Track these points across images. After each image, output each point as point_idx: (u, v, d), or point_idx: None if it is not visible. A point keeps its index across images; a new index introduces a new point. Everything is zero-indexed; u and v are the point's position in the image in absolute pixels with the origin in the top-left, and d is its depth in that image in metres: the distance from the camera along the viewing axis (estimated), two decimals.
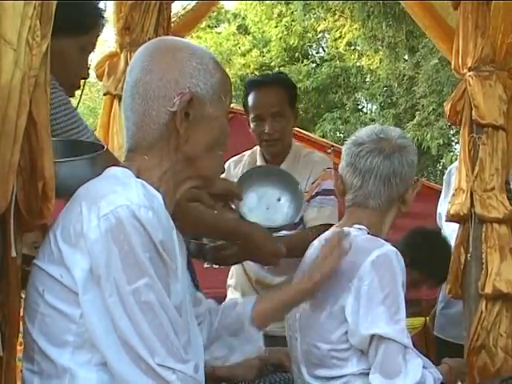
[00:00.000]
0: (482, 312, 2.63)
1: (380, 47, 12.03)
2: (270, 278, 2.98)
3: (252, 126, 3.00)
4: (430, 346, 4.05)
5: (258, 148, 3.08)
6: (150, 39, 2.87)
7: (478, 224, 2.69)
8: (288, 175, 2.79)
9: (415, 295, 5.06)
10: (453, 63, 2.89)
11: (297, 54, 14.80)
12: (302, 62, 14.32)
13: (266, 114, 2.94)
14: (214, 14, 17.32)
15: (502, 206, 2.66)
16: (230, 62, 15.24)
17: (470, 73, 2.79)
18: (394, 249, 1.99)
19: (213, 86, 1.51)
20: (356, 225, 2.08)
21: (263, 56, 15.27)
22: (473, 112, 2.75)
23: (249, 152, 3.14)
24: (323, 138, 10.13)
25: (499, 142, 2.72)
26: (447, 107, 2.88)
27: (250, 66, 15.11)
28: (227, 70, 14.32)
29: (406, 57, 11.02)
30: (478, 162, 2.71)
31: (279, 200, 2.71)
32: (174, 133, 1.48)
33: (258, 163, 3.06)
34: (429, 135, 10.41)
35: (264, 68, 14.87)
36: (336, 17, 13.16)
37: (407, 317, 5.51)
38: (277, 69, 14.06)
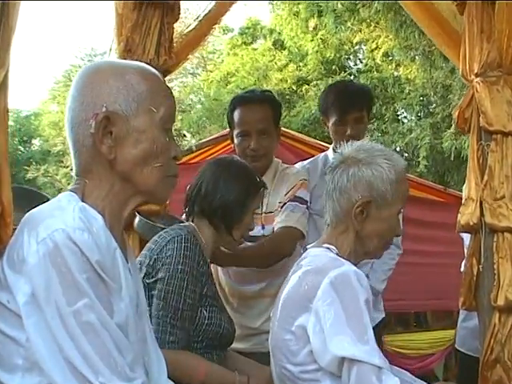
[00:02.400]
0: (495, 325, 2.54)
1: (416, 56, 11.91)
2: (241, 289, 3.00)
3: (236, 141, 3.09)
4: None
5: None
6: (151, 61, 2.92)
7: (488, 234, 2.61)
8: None
9: (447, 307, 4.99)
10: (460, 69, 2.83)
11: (334, 67, 14.72)
12: (339, 75, 14.23)
13: (253, 130, 3.03)
14: (250, 30, 17.49)
15: None
16: (267, 77, 15.27)
17: (477, 79, 2.72)
18: (354, 268, 1.94)
19: (136, 99, 1.51)
20: (326, 244, 2.05)
21: (300, 70, 15.24)
22: (480, 119, 2.68)
23: None
24: None
25: (509, 149, 2.64)
26: (455, 114, 2.81)
27: (287, 80, 15.11)
28: (264, 85, 14.43)
29: (442, 65, 10.86)
30: (487, 170, 2.64)
31: None
32: (102, 154, 1.49)
33: None
34: (466, 144, 10.22)
35: (301, 82, 14.87)
36: (371, 28, 13.10)
37: (440, 329, 5.46)
38: (314, 82, 14.07)
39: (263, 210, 3.03)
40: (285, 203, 3.01)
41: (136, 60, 2.89)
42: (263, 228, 3.02)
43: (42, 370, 1.35)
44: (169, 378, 2.21)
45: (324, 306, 1.85)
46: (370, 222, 2.05)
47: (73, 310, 1.33)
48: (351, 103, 3.38)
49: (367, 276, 3.45)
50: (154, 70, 1.62)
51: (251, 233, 2.70)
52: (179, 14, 3.10)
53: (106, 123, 1.48)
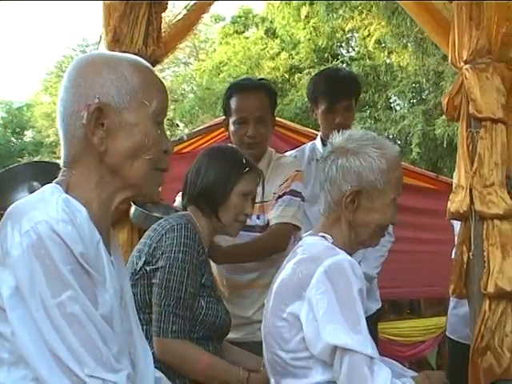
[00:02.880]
0: (485, 312, 2.55)
1: (408, 43, 11.90)
2: (233, 278, 3.00)
3: (233, 128, 3.07)
4: None
5: None
6: (139, 50, 2.90)
7: (478, 221, 2.62)
8: None
9: (439, 294, 5.00)
10: (449, 57, 2.82)
11: (326, 55, 14.70)
12: (332, 63, 14.20)
13: (250, 117, 3.02)
14: (242, 18, 17.44)
15: (502, 202, 2.57)
16: (259, 66, 15.25)
17: (467, 66, 2.72)
18: (349, 257, 1.94)
19: (129, 92, 1.50)
20: (321, 233, 2.05)
21: (292, 58, 15.22)
22: (470, 106, 2.68)
23: None
24: None
25: (498, 136, 2.64)
26: (444, 102, 2.81)
27: (279, 69, 15.09)
28: (256, 74, 14.40)
29: (434, 52, 10.85)
30: (476, 157, 2.64)
31: None
32: (93, 145, 1.49)
33: None
34: (459, 130, 10.20)
35: (293, 70, 14.85)
36: (363, 15, 13.08)
37: (432, 316, 5.48)
38: (307, 70, 14.04)
39: (259, 200, 2.97)
40: (280, 196, 3.00)
41: (124, 50, 2.89)
42: (258, 218, 3.02)
43: (28, 364, 1.35)
44: (169, 366, 2.23)
45: (317, 295, 1.85)
46: (362, 211, 2.04)
47: (57, 301, 1.32)
48: (341, 92, 3.38)
49: (359, 263, 3.45)
50: (146, 62, 1.61)
51: (249, 222, 2.71)
52: (167, 3, 3.08)
53: (98, 114, 1.47)
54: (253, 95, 3.07)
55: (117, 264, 1.58)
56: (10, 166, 2.41)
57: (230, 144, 2.88)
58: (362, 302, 1.86)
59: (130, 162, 1.50)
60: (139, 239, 2.59)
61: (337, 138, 2.10)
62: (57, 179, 1.53)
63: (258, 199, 2.96)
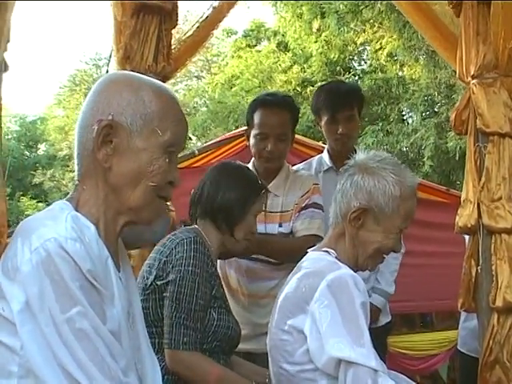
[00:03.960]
0: (494, 326, 2.56)
1: (420, 56, 11.90)
2: (252, 287, 3.05)
3: (253, 141, 3.15)
4: None
5: (251, 162, 3.23)
6: (149, 67, 2.95)
7: (486, 235, 2.63)
8: None
9: (450, 308, 4.98)
10: (457, 71, 2.84)
11: (338, 68, 14.70)
12: (344, 76, 14.21)
13: (272, 133, 3.10)
14: (254, 32, 17.50)
15: (510, 216, 2.58)
16: (272, 79, 15.29)
17: (474, 81, 2.74)
18: (351, 272, 1.96)
19: (144, 117, 1.51)
20: (325, 247, 2.08)
21: (304, 72, 15.24)
22: (477, 120, 2.69)
23: None
24: None
25: (505, 150, 2.66)
26: (452, 117, 2.83)
27: (291, 82, 15.11)
28: (268, 87, 14.43)
29: (446, 65, 10.85)
30: (484, 171, 2.65)
31: None
32: (99, 160, 1.51)
33: None
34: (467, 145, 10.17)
35: (305, 83, 14.87)
36: (375, 28, 13.09)
37: (444, 329, 5.43)
38: (319, 84, 14.07)
39: (279, 210, 3.13)
40: (303, 207, 3.08)
41: (134, 67, 2.95)
42: (280, 226, 3.10)
43: (37, 377, 1.37)
44: (180, 378, 2.26)
45: (321, 309, 1.87)
46: (366, 231, 2.07)
47: (66, 317, 1.35)
48: (342, 102, 3.45)
49: (376, 279, 3.47)
50: (172, 92, 1.62)
51: (269, 230, 2.85)
52: (177, 20, 3.12)
53: (108, 131, 1.49)
54: (276, 112, 3.14)
55: (126, 280, 1.60)
56: None
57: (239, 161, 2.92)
58: (365, 316, 1.88)
59: (132, 185, 1.52)
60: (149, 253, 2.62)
61: (361, 155, 2.14)
62: (69, 195, 1.56)
63: (278, 209, 3.09)
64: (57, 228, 1.40)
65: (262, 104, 3.21)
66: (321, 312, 1.87)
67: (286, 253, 2.96)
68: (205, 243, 2.45)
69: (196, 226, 2.56)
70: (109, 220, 1.53)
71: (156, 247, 2.51)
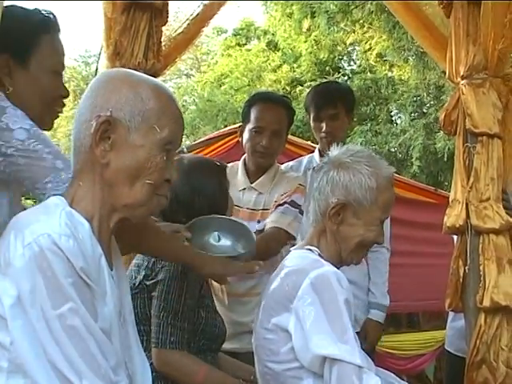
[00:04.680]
0: (481, 326, 2.57)
1: (409, 57, 11.92)
2: (234, 286, 3.01)
3: (248, 135, 3.17)
4: None
5: (241, 160, 3.27)
6: (139, 64, 2.94)
7: (474, 235, 2.64)
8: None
9: (438, 308, 5.00)
10: (447, 72, 2.85)
11: (327, 68, 14.71)
12: (333, 76, 14.22)
13: (267, 128, 3.13)
14: (244, 31, 17.49)
15: (498, 216, 2.60)
16: (261, 78, 15.28)
17: (463, 81, 2.75)
18: (334, 269, 1.96)
19: (142, 113, 1.51)
20: (308, 246, 2.09)
21: (294, 71, 15.24)
22: (466, 121, 2.70)
23: (231, 164, 3.25)
24: None
25: (494, 151, 2.67)
26: (442, 117, 2.84)
27: (280, 81, 15.10)
28: (257, 86, 14.43)
29: (435, 66, 10.87)
30: (472, 172, 2.66)
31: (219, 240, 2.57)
32: (96, 156, 1.51)
33: (239, 173, 3.25)
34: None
35: (295, 83, 14.86)
36: (364, 29, 13.10)
37: (431, 329, 5.45)
38: (308, 83, 14.06)
39: (261, 207, 3.15)
40: (279, 204, 3.08)
41: (124, 64, 2.94)
42: (258, 222, 3.12)
43: (27, 373, 1.37)
44: (166, 377, 2.25)
45: (304, 306, 1.88)
46: (346, 226, 2.07)
47: (57, 313, 1.34)
48: (325, 100, 3.51)
49: (369, 289, 3.49)
50: (170, 91, 1.63)
51: (251, 228, 2.72)
52: (167, 17, 3.12)
53: (106, 127, 1.49)
54: (274, 108, 3.19)
55: (118, 277, 1.60)
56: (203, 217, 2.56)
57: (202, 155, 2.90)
58: (348, 312, 1.87)
59: (129, 182, 1.51)
60: None
61: (335, 151, 2.13)
62: (64, 191, 1.56)
63: (260, 206, 3.09)
64: (50, 224, 1.40)
65: (261, 99, 3.26)
66: (304, 310, 1.88)
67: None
68: None
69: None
70: (103, 217, 1.52)
71: None
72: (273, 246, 2.98)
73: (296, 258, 2.08)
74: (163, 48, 3.12)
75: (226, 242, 2.44)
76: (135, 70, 1.75)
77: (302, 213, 3.11)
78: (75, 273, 1.37)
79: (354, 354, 1.82)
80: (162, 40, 3.12)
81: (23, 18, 1.96)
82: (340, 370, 1.81)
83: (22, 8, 1.99)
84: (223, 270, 2.16)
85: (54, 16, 2.05)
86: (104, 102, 1.50)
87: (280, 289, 1.99)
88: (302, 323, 1.87)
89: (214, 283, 3.00)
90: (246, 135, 3.19)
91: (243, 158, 3.28)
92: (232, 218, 2.62)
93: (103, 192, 1.52)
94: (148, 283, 2.36)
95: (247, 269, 2.26)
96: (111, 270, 1.55)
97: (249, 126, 3.18)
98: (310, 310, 1.86)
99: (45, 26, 1.99)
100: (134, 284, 2.38)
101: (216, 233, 2.42)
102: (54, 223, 1.40)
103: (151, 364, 2.18)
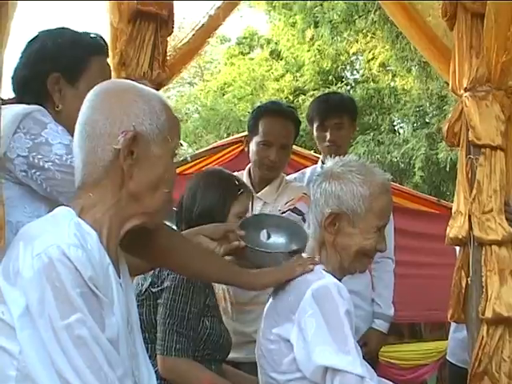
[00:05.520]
0: (483, 337, 2.58)
1: (412, 67, 11.94)
2: (239, 294, 3.02)
3: (256, 148, 3.20)
4: None
5: (246, 169, 3.29)
6: (144, 74, 2.96)
7: (477, 247, 2.65)
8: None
9: (440, 318, 5.00)
10: (450, 84, 2.87)
11: (330, 77, 14.71)
12: (336, 85, 14.23)
13: (276, 142, 3.16)
14: (247, 40, 17.52)
15: (500, 228, 2.61)
16: (264, 87, 15.30)
17: (466, 93, 2.77)
18: (334, 280, 1.98)
19: (159, 126, 1.56)
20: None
21: (297, 80, 15.25)
22: (469, 133, 2.72)
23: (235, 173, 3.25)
24: None
25: (497, 163, 2.68)
26: (444, 128, 2.86)
27: (283, 90, 15.11)
28: (260, 95, 14.44)
29: (438, 76, 10.90)
30: (475, 183, 2.67)
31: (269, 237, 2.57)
32: (119, 170, 1.53)
33: None
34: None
35: (298, 92, 14.87)
36: (368, 38, 13.14)
37: (433, 340, 5.45)
38: (311, 93, 14.08)
39: None
40: (283, 212, 3.10)
41: (130, 73, 2.97)
42: None
43: (35, 382, 1.38)
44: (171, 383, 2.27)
45: (306, 318, 1.89)
46: (343, 235, 2.08)
47: (65, 323, 1.36)
48: (330, 109, 3.54)
49: (373, 300, 3.50)
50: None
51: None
52: (173, 27, 3.13)
53: (132, 142, 1.53)
54: (281, 122, 3.21)
55: (125, 285, 1.61)
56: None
57: (218, 167, 2.93)
58: (349, 323, 1.89)
59: (150, 192, 1.56)
60: None
61: (328, 163, 2.16)
62: (72, 201, 1.57)
63: None
64: (59, 234, 1.42)
65: (268, 112, 3.27)
66: (306, 321, 1.89)
67: None
68: None
69: None
70: (114, 225, 1.54)
71: None
72: None
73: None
74: (168, 58, 3.14)
75: (278, 239, 2.42)
76: (140, 80, 1.79)
77: (304, 220, 3.13)
78: (84, 283, 1.39)
79: (356, 364, 1.84)
80: (168, 50, 3.14)
81: (75, 40, 2.05)
82: (342, 381, 1.82)
83: (73, 31, 2.09)
84: (280, 276, 2.05)
85: (103, 39, 2.15)
86: (124, 116, 1.53)
87: (282, 299, 2.01)
88: (304, 334, 1.88)
89: (218, 293, 3.02)
90: (253, 147, 3.21)
91: (248, 167, 3.29)
92: (283, 216, 2.65)
93: (119, 202, 1.54)
94: (154, 290, 2.38)
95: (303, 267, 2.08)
96: (119, 277, 1.56)
97: (256, 139, 3.19)
98: (311, 322, 1.88)
99: (95, 49, 2.08)
100: (141, 291, 2.40)
101: (265, 230, 2.40)
102: (62, 234, 1.42)
103: (156, 371, 2.20)
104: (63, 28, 2.09)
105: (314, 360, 1.86)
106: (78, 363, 1.36)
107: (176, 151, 1.62)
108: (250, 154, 3.24)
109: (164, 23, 3.10)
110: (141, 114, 1.54)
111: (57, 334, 1.36)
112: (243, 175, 3.28)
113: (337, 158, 2.17)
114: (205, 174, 2.70)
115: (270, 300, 2.11)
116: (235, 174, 3.20)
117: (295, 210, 3.10)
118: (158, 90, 3.03)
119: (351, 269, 2.12)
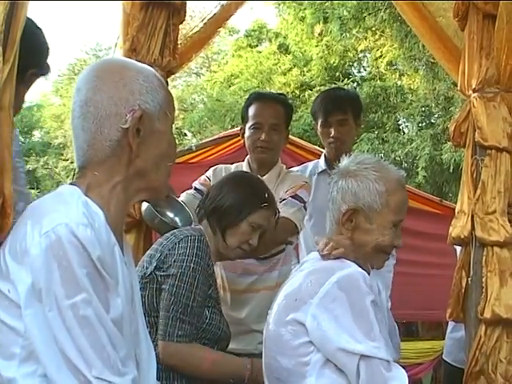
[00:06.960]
0: (481, 337, 2.58)
1: (420, 67, 11.94)
2: (237, 280, 3.09)
3: (248, 133, 3.25)
4: None
5: (246, 159, 3.32)
6: (155, 61, 2.97)
7: (478, 247, 2.65)
8: None
9: (438, 318, 5.02)
10: (459, 84, 2.87)
11: (337, 74, 14.73)
12: (343, 82, 14.23)
13: (265, 123, 3.21)
14: (256, 32, 17.51)
15: (503, 230, 2.61)
16: (271, 80, 15.31)
17: (475, 94, 2.76)
18: (360, 269, 2.00)
19: (159, 102, 1.58)
20: None
21: (303, 75, 15.26)
22: (476, 134, 2.72)
23: (235, 164, 3.38)
24: None
25: (502, 165, 2.68)
26: (451, 128, 2.85)
27: (290, 84, 15.13)
28: (267, 88, 14.43)
29: (445, 77, 10.89)
30: (479, 184, 2.68)
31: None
32: (127, 149, 1.54)
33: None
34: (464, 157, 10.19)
35: (304, 87, 14.89)
36: (376, 36, 13.14)
37: (429, 339, 5.47)
38: (318, 88, 14.08)
39: None
40: (284, 199, 3.13)
41: (140, 60, 2.95)
42: None
43: (38, 360, 1.39)
44: (173, 368, 2.32)
45: (329, 304, 1.90)
46: (360, 231, 2.11)
47: (71, 303, 1.36)
48: (334, 105, 3.56)
49: None
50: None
51: None
52: (185, 15, 3.15)
53: (138, 120, 1.54)
54: (270, 104, 3.27)
55: (129, 263, 1.63)
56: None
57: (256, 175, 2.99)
58: (375, 311, 1.91)
59: (156, 167, 1.59)
60: (145, 243, 2.72)
61: (343, 161, 2.18)
62: (74, 180, 1.58)
63: None
64: (68, 213, 1.42)
65: (257, 97, 3.35)
66: (329, 308, 1.90)
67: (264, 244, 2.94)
68: (208, 244, 2.50)
69: (201, 227, 2.60)
70: (120, 202, 1.56)
71: (159, 240, 2.57)
72: (279, 234, 3.01)
73: (317, 259, 2.10)
74: (179, 46, 3.15)
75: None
76: (151, 66, 1.80)
77: (305, 208, 3.18)
78: (91, 263, 1.39)
79: (381, 349, 1.87)
80: (179, 38, 3.15)
81: None
82: (368, 366, 1.85)
83: None
84: None
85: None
86: (129, 95, 1.54)
87: (301, 285, 2.01)
88: (326, 320, 1.90)
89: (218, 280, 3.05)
90: (246, 133, 3.27)
91: (247, 159, 3.33)
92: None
93: (126, 179, 1.56)
94: (158, 274, 2.41)
95: None
96: (123, 255, 1.58)
97: (248, 124, 3.26)
98: (334, 308, 1.89)
99: None
100: (145, 273, 2.43)
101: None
102: (71, 212, 1.42)
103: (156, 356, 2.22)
104: None
105: (337, 345, 1.88)
106: (81, 343, 1.37)
107: (172, 123, 1.66)
108: (245, 142, 3.28)
109: (176, 11, 3.11)
110: (143, 91, 1.55)
111: (61, 312, 1.36)
112: (243, 166, 3.32)
113: (352, 156, 2.21)
114: (240, 174, 2.84)
115: (287, 284, 2.12)
116: (235, 164, 3.28)
117: (297, 197, 3.14)
118: (167, 77, 3.05)
119: (368, 265, 2.14)
